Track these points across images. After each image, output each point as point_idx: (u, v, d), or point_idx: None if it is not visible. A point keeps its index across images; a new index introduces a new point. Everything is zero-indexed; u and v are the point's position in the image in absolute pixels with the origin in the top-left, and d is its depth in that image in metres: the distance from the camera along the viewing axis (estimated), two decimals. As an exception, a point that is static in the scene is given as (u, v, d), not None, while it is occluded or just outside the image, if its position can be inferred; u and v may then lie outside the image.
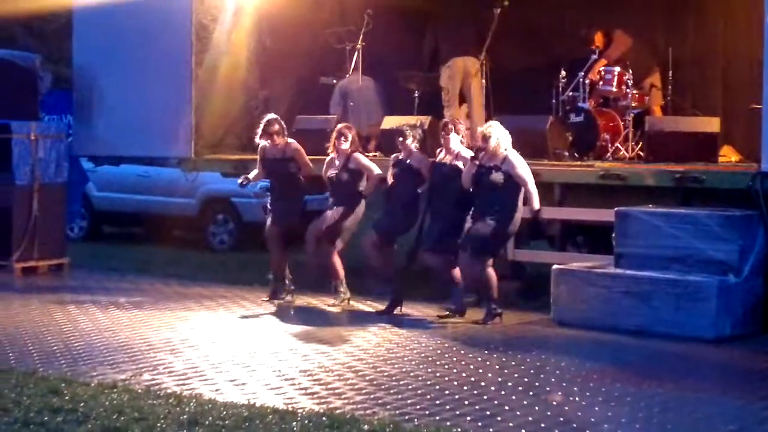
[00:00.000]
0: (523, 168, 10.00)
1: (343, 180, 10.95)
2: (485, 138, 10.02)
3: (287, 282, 11.38)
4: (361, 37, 13.14)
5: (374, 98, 13.51)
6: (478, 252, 9.95)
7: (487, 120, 11.41)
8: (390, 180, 10.80)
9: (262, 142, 11.36)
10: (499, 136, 9.99)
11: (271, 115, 11.50)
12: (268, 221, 11.44)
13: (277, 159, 11.33)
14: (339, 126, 11.29)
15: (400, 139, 10.67)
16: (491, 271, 10.13)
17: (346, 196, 10.96)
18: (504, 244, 10.42)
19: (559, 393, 7.66)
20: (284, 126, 11.44)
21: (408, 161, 10.66)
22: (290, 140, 11.40)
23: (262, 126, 11.36)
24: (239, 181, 11.60)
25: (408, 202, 10.70)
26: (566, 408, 7.18)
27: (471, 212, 10.15)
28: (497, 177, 9.93)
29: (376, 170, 10.90)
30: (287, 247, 11.45)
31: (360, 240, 10.90)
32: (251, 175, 11.52)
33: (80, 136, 14.31)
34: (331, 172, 11.00)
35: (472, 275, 10.08)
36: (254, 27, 13.97)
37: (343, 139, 10.97)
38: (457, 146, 10.38)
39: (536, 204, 9.99)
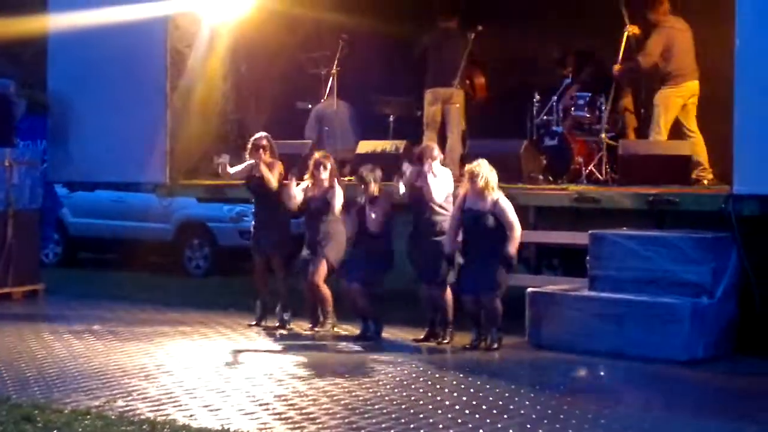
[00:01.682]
0: (512, 213, 9.95)
1: (322, 210, 10.91)
2: (473, 176, 9.96)
3: (266, 306, 11.36)
4: (336, 62, 13.16)
5: (349, 123, 13.53)
6: (500, 291, 9.97)
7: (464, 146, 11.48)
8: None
9: (250, 160, 11.34)
10: (488, 175, 9.94)
11: (262, 133, 11.50)
12: (253, 250, 11.39)
13: (261, 178, 11.26)
14: (317, 155, 11.15)
15: (362, 186, 10.62)
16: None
17: (324, 225, 10.88)
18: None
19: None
20: (273, 144, 11.41)
21: (377, 198, 10.58)
22: (279, 162, 11.35)
23: (251, 142, 11.36)
24: (216, 161, 11.49)
25: (386, 237, 10.61)
26: (540, 431, 7.18)
27: (464, 255, 10.09)
28: (490, 221, 9.90)
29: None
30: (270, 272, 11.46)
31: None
32: (230, 168, 11.43)
33: (55, 161, 14.31)
34: (310, 202, 10.94)
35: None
36: (229, 52, 13.98)
37: (322, 168, 10.93)
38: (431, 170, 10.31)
39: (512, 249, 9.84)
